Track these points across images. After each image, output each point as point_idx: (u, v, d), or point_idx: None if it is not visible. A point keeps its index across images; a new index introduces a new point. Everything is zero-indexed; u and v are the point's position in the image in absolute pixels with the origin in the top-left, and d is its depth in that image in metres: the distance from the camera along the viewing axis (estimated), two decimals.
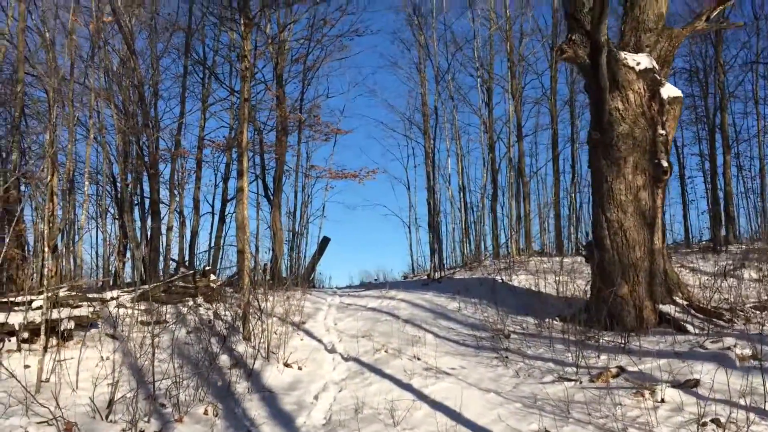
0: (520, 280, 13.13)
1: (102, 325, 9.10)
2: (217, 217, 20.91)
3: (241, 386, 7.22)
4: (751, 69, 22.30)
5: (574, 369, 6.99)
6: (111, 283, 14.30)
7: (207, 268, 13.35)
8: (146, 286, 12.41)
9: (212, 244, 21.39)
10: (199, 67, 19.75)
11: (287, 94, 19.12)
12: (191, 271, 13.18)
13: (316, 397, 7.00)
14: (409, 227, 26.30)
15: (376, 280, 18.81)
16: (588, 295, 9.87)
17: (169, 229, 14.88)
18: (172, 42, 15.68)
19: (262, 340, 8.75)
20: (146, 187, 15.75)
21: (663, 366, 6.60)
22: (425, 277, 16.87)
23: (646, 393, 5.92)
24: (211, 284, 13.21)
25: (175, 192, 16.31)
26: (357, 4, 23.04)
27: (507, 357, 7.96)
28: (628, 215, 9.16)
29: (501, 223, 22.46)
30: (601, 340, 8.09)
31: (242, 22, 13.26)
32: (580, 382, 6.60)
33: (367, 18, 46.37)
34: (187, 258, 20.36)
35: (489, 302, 11.44)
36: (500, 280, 13.09)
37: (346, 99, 33.04)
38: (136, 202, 16.65)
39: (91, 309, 8.86)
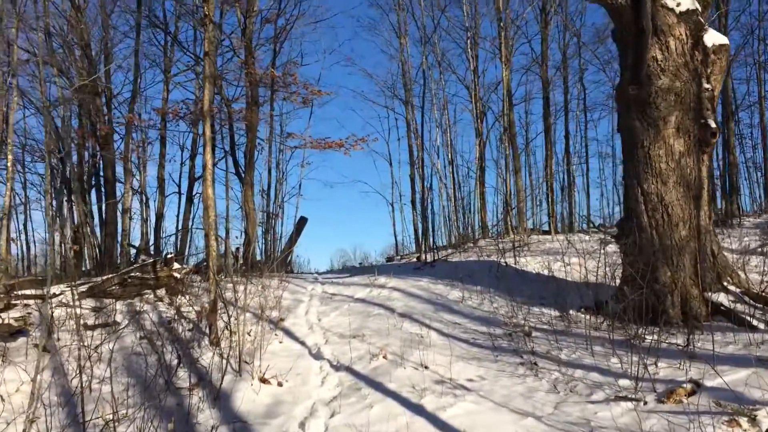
0: (526, 262, 11.65)
1: (34, 332, 7.40)
2: (184, 198, 19.17)
3: (204, 415, 5.59)
4: (752, 32, 20.99)
5: (631, 382, 5.50)
6: (60, 275, 12.56)
7: (169, 255, 11.63)
8: (97, 279, 10.68)
9: (179, 227, 19.68)
10: (161, 34, 17.81)
11: (258, 62, 17.25)
12: (151, 260, 11.47)
13: (302, 427, 5.42)
14: (392, 205, 24.68)
15: (361, 264, 17.28)
16: (617, 282, 8.39)
17: (125, 211, 13.05)
18: None
19: (233, 345, 7.15)
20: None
21: (750, 379, 5.14)
22: (415, 260, 15.33)
23: (743, 421, 4.45)
24: (174, 274, 11.54)
25: (133, 169, 14.48)
26: None
27: (535, 363, 6.45)
28: (669, 186, 7.67)
29: (495, 199, 21.02)
30: (648, 339, 6.61)
31: None
32: (645, 403, 5.11)
33: None
34: (152, 243, 18.61)
35: (496, 290, 9.94)
36: (504, 263, 11.58)
37: (322, 67, 31.15)
38: (94, 183, 14.85)
39: (17, 314, 7.17)
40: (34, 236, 18.43)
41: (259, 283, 11.99)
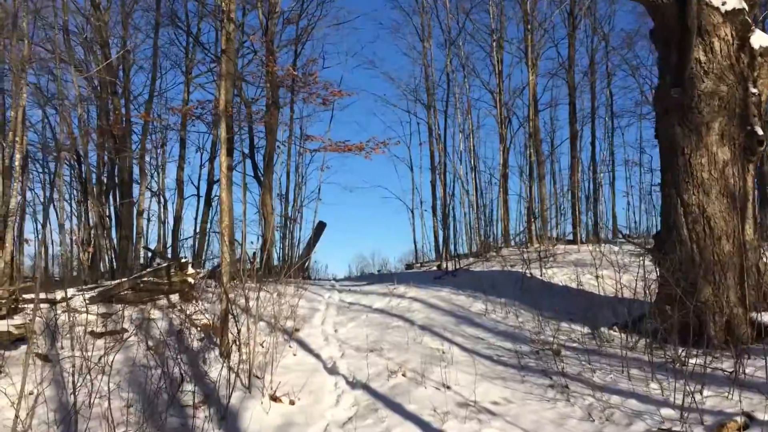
0: (553, 273, 11.14)
1: (38, 339, 7.08)
2: (203, 201, 18.92)
3: None
4: None
5: (675, 412, 5.01)
6: (75, 278, 12.33)
7: (184, 259, 11.31)
8: (109, 283, 10.38)
9: (197, 231, 19.43)
10: (182, 35, 17.61)
11: (279, 64, 16.94)
12: (165, 264, 11.16)
13: None
14: (412, 211, 24.15)
15: (379, 271, 16.86)
16: (653, 298, 7.87)
17: (140, 213, 12.76)
18: None
19: (243, 358, 6.78)
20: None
21: None
22: (435, 268, 14.87)
23: None
24: (189, 279, 11.21)
25: (151, 171, 14.23)
26: None
27: (566, 386, 5.98)
28: (711, 197, 7.16)
29: (518, 207, 20.50)
30: (689, 362, 6.10)
31: None
32: None
33: None
34: (170, 246, 18.36)
35: (521, 303, 9.45)
36: (529, 274, 11.07)
37: (344, 70, 30.68)
38: (108, 183, 14.62)
39: (19, 320, 6.85)
40: (52, 236, 18.21)
41: (275, 290, 11.64)
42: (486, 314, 9.21)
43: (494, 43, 20.17)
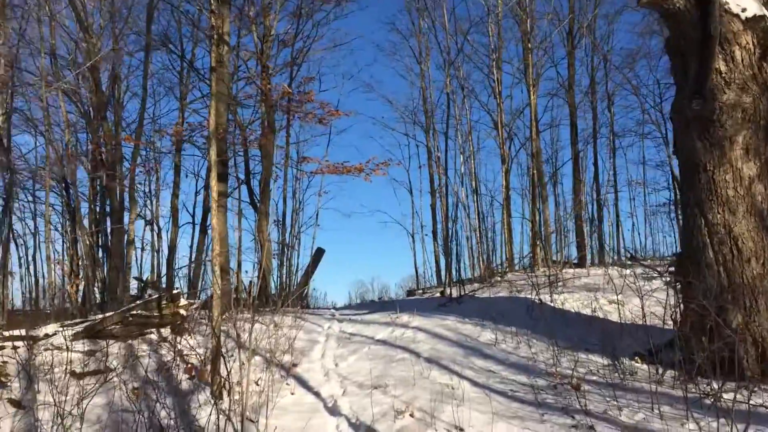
0: (564, 299, 10.59)
1: (12, 383, 6.52)
2: (198, 228, 18.42)
3: None
4: None
5: None
6: (63, 311, 11.75)
7: (176, 290, 10.76)
8: (95, 317, 9.82)
9: (192, 259, 18.90)
10: (177, 61, 17.29)
11: (274, 87, 16.55)
12: (155, 296, 10.61)
13: None
14: (412, 236, 23.67)
15: (380, 298, 16.30)
16: (675, 325, 7.33)
17: (130, 242, 12.20)
18: (134, 17, 13.02)
19: (236, 398, 6.22)
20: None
21: None
22: (439, 295, 14.31)
23: None
24: (181, 311, 10.66)
25: (143, 198, 13.74)
26: None
27: (592, 427, 5.41)
28: (738, 216, 6.67)
29: (522, 230, 19.95)
30: (723, 398, 5.55)
31: None
32: None
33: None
34: (164, 275, 17.79)
35: (533, 332, 8.89)
36: (538, 301, 10.52)
37: (340, 93, 30.17)
38: (100, 211, 14.13)
39: None
40: (42, 268, 17.61)
41: (272, 321, 11.09)
42: (496, 344, 8.65)
43: (493, 64, 19.86)
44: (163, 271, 18.02)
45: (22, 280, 18.04)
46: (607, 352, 7.52)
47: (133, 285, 12.97)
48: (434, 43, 21.91)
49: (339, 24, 19.45)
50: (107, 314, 9.63)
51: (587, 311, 9.50)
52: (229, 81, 13.89)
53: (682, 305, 7.22)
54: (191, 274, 18.03)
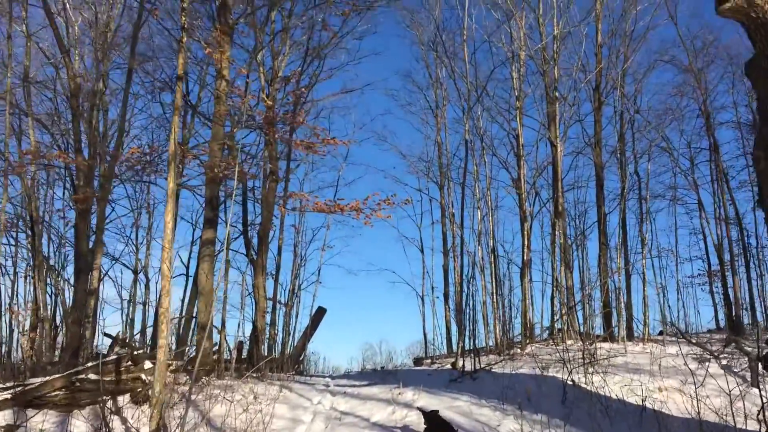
0: (602, 382, 8.77)
1: None
2: (192, 281, 16.91)
3: None
4: None
5: None
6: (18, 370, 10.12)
7: (138, 351, 9.14)
8: (33, 381, 8.17)
9: (183, 314, 17.31)
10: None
11: (279, 132, 15.34)
12: (113, 357, 9.00)
13: None
14: (422, 298, 21.88)
15: (383, 368, 14.45)
16: (763, 427, 5.57)
17: (90, 293, 10.56)
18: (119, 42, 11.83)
19: None
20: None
21: None
22: (450, 366, 12.51)
23: None
24: (143, 376, 9.05)
25: (126, 243, 12.23)
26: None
27: None
28: None
29: (543, 296, 18.26)
30: None
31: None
32: None
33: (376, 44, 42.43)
34: (150, 329, 16.20)
35: (570, 425, 7.11)
36: (570, 382, 8.73)
37: (351, 143, 28.83)
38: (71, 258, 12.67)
39: None
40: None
41: (252, 392, 9.46)
42: None
43: (515, 115, 18.58)
44: (150, 327, 16.48)
45: None
46: None
47: (99, 341, 11.37)
48: (452, 90, 20.71)
49: (351, 69, 18.24)
50: (49, 378, 7.99)
51: (633, 399, 7.70)
52: (234, 125, 12.61)
53: None
54: (180, 330, 16.43)
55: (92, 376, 8.40)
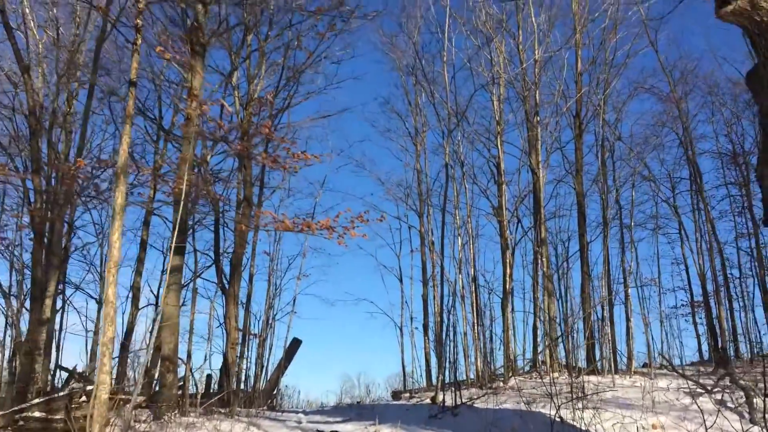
0: (593, 419, 8.22)
1: None
2: (161, 310, 16.20)
3: None
4: None
5: None
6: None
7: (91, 386, 8.41)
8: None
9: (149, 345, 16.50)
10: (151, 126, 15.75)
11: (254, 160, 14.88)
12: (64, 393, 8.28)
13: None
14: (400, 329, 21.23)
15: (359, 402, 13.77)
16: None
17: (42, 323, 9.82)
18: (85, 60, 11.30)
19: None
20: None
21: None
22: (429, 401, 11.89)
23: None
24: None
25: (88, 271, 11.51)
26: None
27: None
28: None
29: (524, 327, 17.71)
30: None
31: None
32: None
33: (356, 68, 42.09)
34: (116, 362, 15.37)
35: None
36: (558, 419, 8.16)
37: (329, 169, 28.39)
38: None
39: None
40: None
41: (217, 430, 8.79)
42: None
43: (495, 146, 18.30)
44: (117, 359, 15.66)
45: None
46: None
47: (54, 375, 10.56)
48: (432, 116, 20.44)
49: (329, 92, 17.87)
50: None
51: None
52: (194, 141, 12.08)
53: None
54: (148, 362, 15.65)
55: (38, 414, 7.68)
